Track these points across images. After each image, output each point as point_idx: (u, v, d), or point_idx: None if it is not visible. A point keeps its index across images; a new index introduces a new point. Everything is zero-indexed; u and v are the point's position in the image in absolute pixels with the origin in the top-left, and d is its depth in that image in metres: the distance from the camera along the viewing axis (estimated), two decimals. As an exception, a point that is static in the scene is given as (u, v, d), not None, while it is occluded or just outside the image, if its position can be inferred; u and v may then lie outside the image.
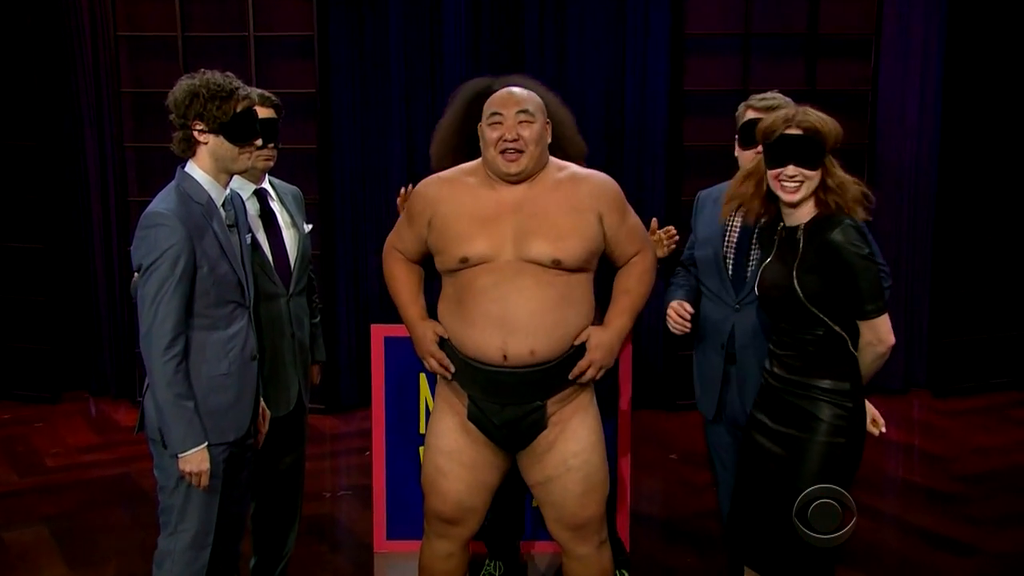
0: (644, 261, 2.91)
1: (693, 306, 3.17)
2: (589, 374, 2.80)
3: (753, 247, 3.11)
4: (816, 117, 2.67)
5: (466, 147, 3.29)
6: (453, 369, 2.81)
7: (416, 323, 2.91)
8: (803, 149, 2.66)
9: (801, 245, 2.68)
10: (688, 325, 3.13)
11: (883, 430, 2.86)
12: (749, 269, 3.11)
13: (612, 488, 3.51)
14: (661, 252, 3.29)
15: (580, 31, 5.76)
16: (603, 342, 2.79)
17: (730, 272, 3.15)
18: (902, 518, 4.37)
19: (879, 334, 2.67)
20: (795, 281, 2.65)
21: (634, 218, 2.92)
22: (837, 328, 2.66)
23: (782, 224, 2.78)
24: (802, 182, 2.67)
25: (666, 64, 5.74)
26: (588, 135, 5.67)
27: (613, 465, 3.54)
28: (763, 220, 2.84)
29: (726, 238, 3.19)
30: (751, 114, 3.13)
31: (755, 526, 2.80)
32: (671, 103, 5.75)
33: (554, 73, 5.73)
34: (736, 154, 3.20)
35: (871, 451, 5.00)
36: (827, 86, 5.70)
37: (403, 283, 2.99)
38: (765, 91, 3.24)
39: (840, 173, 2.70)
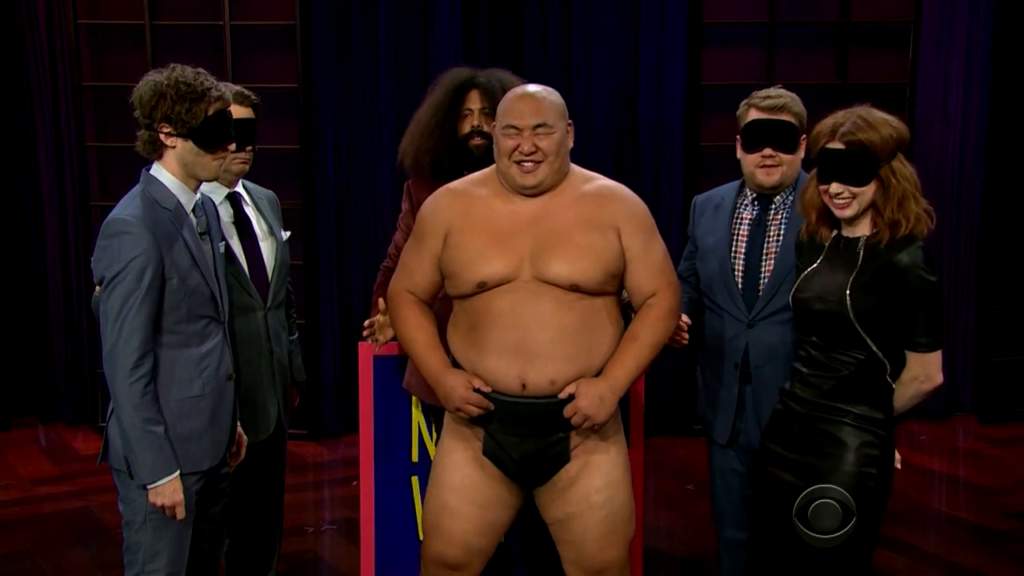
0: (662, 304, 2.83)
1: (693, 320, 3.17)
2: (574, 421, 2.77)
3: (764, 258, 3.15)
4: (866, 124, 2.64)
5: (447, 144, 3.33)
6: (493, 407, 2.78)
7: (444, 373, 2.82)
8: (848, 165, 2.64)
9: (860, 260, 2.68)
10: (686, 336, 3.10)
11: (898, 466, 2.84)
12: (762, 282, 3.14)
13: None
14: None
15: (587, 21, 5.79)
16: (591, 393, 2.74)
17: (740, 286, 3.18)
18: (946, 558, 4.37)
19: (928, 371, 2.68)
20: (847, 297, 2.65)
21: (661, 251, 2.87)
22: (880, 354, 2.67)
23: (837, 231, 2.78)
24: (852, 198, 2.67)
25: (683, 57, 5.77)
26: (597, 136, 5.77)
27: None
28: (824, 232, 2.81)
29: (733, 248, 3.22)
30: (755, 114, 3.14)
31: (776, 567, 2.80)
32: (688, 99, 5.78)
33: (559, 67, 5.76)
34: (739, 156, 3.23)
35: (911, 483, 5.06)
36: (860, 79, 5.74)
37: (418, 327, 2.89)
38: (771, 85, 3.27)
39: (904, 188, 2.65)
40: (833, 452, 2.67)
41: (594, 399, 2.74)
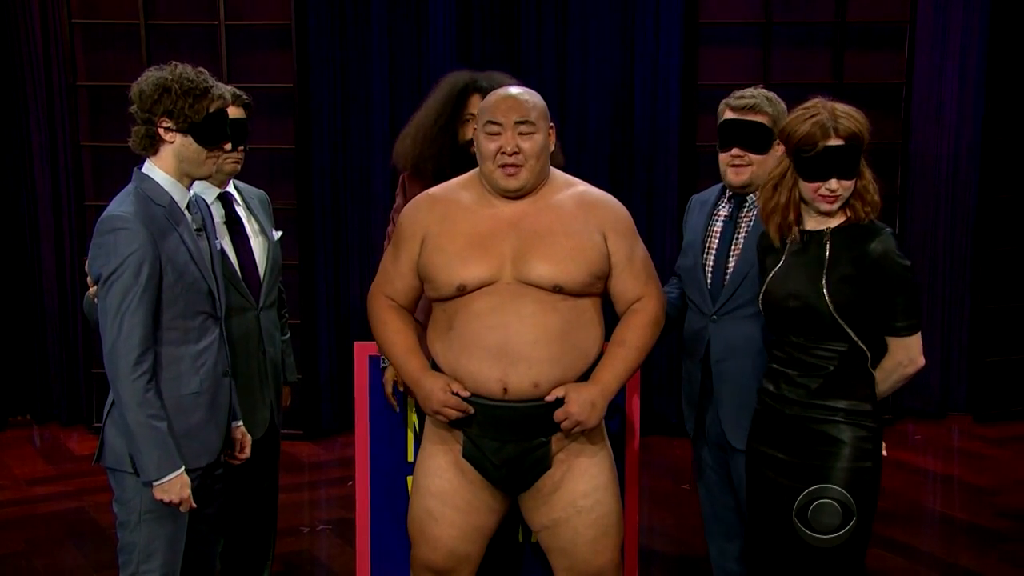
0: (647, 310, 2.85)
1: (678, 317, 3.24)
2: (564, 426, 2.75)
3: (732, 253, 3.18)
4: (850, 119, 2.66)
5: (449, 149, 3.33)
6: (472, 411, 2.76)
7: (422, 377, 2.80)
8: (845, 160, 2.65)
9: (828, 251, 2.69)
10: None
11: (884, 454, 2.83)
12: (727, 278, 3.18)
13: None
14: None
15: (583, 21, 5.79)
16: (582, 399, 2.73)
17: (709, 281, 3.22)
18: (940, 557, 4.37)
19: (911, 354, 2.70)
20: (824, 291, 2.66)
21: (645, 257, 2.88)
22: (860, 343, 2.67)
23: (798, 228, 2.78)
24: (840, 192, 2.69)
25: (679, 56, 5.78)
26: (592, 135, 5.78)
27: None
28: (796, 231, 2.80)
29: (706, 245, 3.26)
30: (728, 114, 3.17)
31: (774, 568, 2.80)
32: (684, 99, 5.79)
33: (554, 68, 5.76)
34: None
35: (906, 483, 5.06)
36: (856, 79, 5.75)
37: (397, 331, 2.89)
38: (748, 86, 3.28)
39: (867, 172, 2.72)
40: (829, 450, 2.67)
41: (585, 404, 2.73)
